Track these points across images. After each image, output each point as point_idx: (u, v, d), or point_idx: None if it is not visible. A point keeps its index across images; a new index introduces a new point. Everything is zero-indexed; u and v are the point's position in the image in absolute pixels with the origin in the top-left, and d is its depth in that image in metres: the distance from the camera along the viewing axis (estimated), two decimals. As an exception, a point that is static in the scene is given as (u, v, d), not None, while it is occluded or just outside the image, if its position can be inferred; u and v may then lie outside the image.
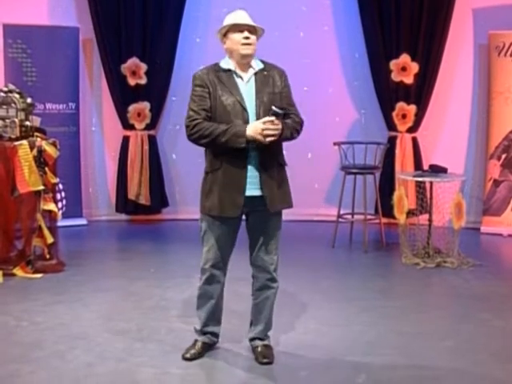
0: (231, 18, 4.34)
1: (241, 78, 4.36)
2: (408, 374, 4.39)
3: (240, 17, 4.34)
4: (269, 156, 4.32)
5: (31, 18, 8.22)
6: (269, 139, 4.19)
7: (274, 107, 4.20)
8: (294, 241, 7.73)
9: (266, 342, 4.60)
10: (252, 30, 4.33)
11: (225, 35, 4.36)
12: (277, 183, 4.37)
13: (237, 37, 4.30)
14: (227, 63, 4.37)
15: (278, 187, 4.38)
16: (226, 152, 4.27)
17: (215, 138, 4.22)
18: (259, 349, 4.56)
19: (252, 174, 4.31)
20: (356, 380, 4.29)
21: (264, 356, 4.52)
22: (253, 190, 4.32)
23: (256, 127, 4.18)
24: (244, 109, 4.29)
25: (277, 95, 4.36)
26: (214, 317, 4.61)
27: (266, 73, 4.39)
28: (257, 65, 4.40)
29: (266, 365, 4.47)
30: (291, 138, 4.38)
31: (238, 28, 4.30)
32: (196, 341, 4.62)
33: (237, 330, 4.88)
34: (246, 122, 4.26)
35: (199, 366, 4.45)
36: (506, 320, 5.38)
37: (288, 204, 4.49)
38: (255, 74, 4.37)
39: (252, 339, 4.63)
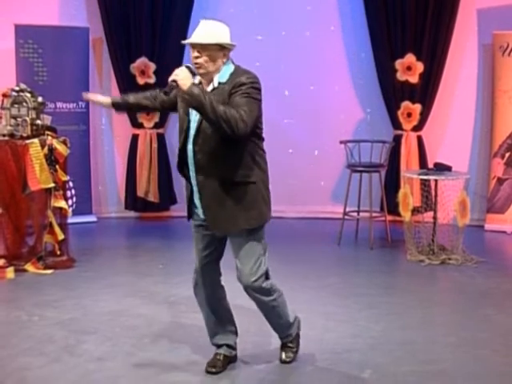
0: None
1: None
2: (412, 369, 4.43)
3: (194, 33, 3.95)
4: (209, 174, 3.96)
5: (42, 18, 8.32)
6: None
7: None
8: (300, 238, 7.82)
9: (284, 342, 4.54)
10: (202, 47, 3.89)
11: None
12: (225, 202, 3.98)
13: (191, 54, 3.97)
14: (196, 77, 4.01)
15: (226, 206, 3.98)
16: None
17: None
18: (280, 348, 4.56)
19: (195, 195, 4.08)
20: (361, 375, 4.34)
21: (282, 356, 4.52)
22: (199, 209, 4.11)
23: None
24: (187, 127, 4.02)
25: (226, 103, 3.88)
26: (218, 327, 4.40)
27: (224, 86, 3.92)
28: (222, 78, 3.96)
29: (284, 363, 4.48)
30: (216, 121, 3.75)
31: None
32: (216, 354, 4.43)
33: (242, 327, 4.89)
34: (185, 142, 4.01)
35: (206, 361, 4.44)
36: (509, 316, 5.44)
37: (240, 225, 4.01)
38: (216, 89, 3.95)
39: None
